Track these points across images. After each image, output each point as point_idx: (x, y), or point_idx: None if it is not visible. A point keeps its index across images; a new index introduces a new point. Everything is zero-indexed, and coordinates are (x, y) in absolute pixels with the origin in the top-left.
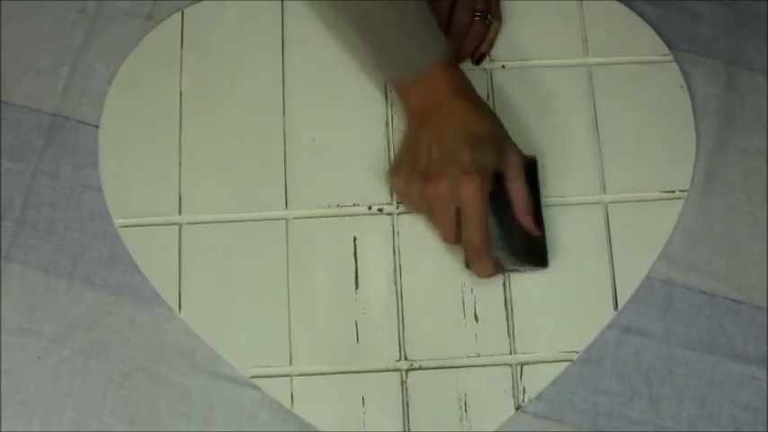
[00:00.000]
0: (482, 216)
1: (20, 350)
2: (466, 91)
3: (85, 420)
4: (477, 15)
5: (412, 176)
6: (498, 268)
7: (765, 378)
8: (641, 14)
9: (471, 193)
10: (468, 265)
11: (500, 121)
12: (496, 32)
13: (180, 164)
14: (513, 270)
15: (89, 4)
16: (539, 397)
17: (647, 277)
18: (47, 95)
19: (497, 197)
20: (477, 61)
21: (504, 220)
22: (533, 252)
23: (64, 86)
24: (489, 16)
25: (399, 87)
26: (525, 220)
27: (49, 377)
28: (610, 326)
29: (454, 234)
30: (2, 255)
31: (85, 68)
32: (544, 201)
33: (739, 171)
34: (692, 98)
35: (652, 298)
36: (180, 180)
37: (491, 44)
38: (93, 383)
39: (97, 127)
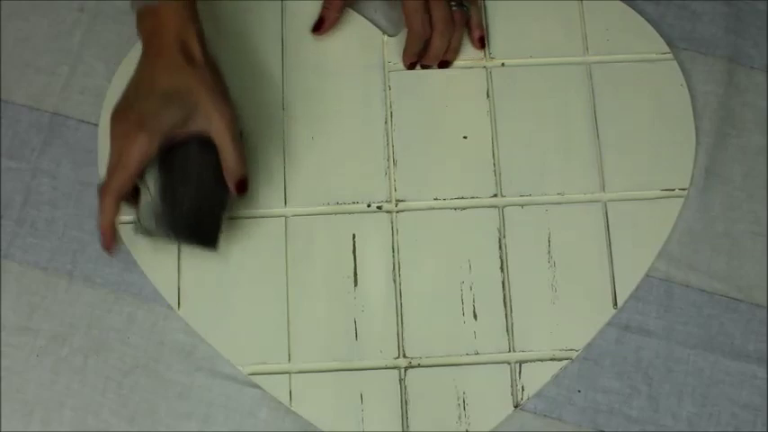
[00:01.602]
0: (130, 169)
1: (19, 349)
2: (185, 38)
3: (85, 419)
4: (453, 6)
5: (115, 109)
6: (113, 210)
7: (765, 376)
8: (641, 13)
9: (135, 148)
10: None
11: (215, 77)
12: (479, 12)
13: None
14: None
15: (88, 3)
16: (538, 395)
17: (647, 275)
18: (46, 94)
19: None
20: (481, 45)
21: (179, 189)
22: (200, 233)
23: (63, 85)
24: (464, 2)
25: (137, 16)
26: (231, 179)
27: (49, 376)
28: (609, 324)
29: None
30: (1, 253)
31: (85, 67)
32: (543, 198)
33: (739, 169)
34: (692, 96)
35: (652, 296)
36: None
37: (480, 25)
38: (93, 382)
39: (96, 125)
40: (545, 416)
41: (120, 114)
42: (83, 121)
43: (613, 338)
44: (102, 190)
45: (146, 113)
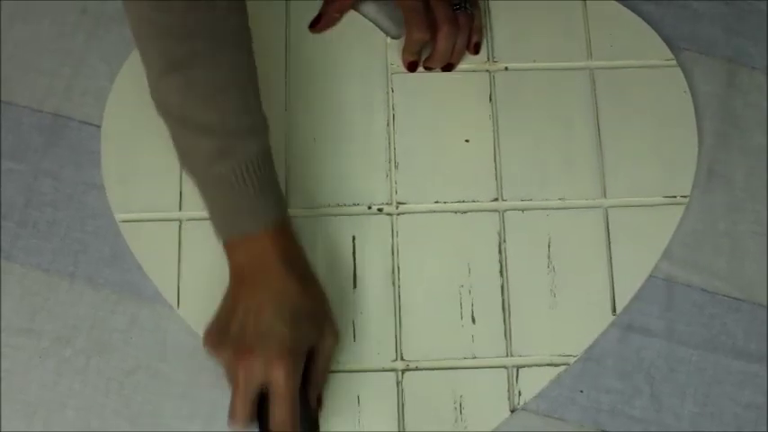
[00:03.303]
0: (294, 400)
1: (21, 350)
2: (293, 260)
3: (87, 420)
4: (456, 7)
5: (225, 342)
6: None
7: (767, 376)
8: (642, 13)
9: (284, 377)
10: None
11: (323, 294)
12: (480, 16)
13: None
14: None
15: (90, 5)
16: (540, 395)
17: (649, 275)
18: (48, 96)
19: None
20: (476, 51)
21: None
22: (317, 422)
23: (65, 87)
24: (468, 4)
25: (225, 243)
26: (314, 394)
27: (51, 377)
28: (612, 324)
29: (247, 413)
30: (3, 255)
31: (87, 69)
32: (544, 203)
33: (740, 169)
34: (693, 97)
35: (654, 296)
36: (181, 177)
37: (481, 30)
38: (95, 383)
39: (99, 126)
40: (547, 416)
41: (250, 346)
42: (85, 123)
43: (615, 338)
44: (280, 426)
45: (288, 342)
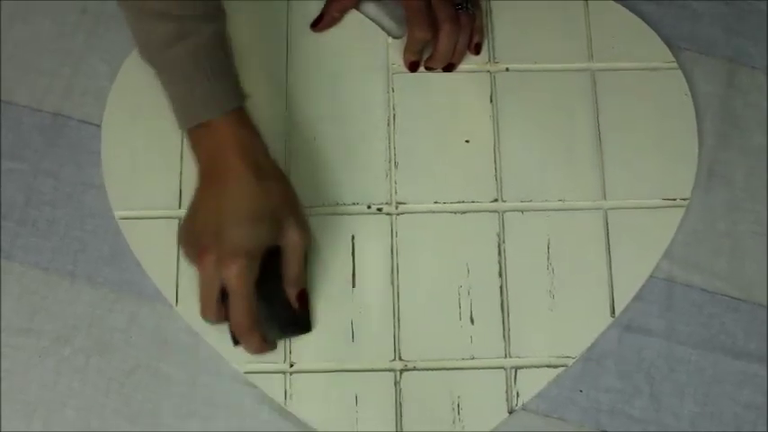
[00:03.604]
0: (247, 296)
1: (21, 349)
2: (251, 154)
3: (87, 419)
4: (458, 7)
5: (189, 240)
6: (269, 343)
7: (766, 376)
8: (642, 13)
9: (236, 275)
10: (235, 342)
11: (287, 189)
12: (481, 17)
13: (181, 159)
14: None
15: (90, 5)
16: (540, 395)
17: (649, 276)
18: (48, 95)
19: (267, 266)
20: (477, 51)
21: (270, 291)
22: (297, 322)
23: (65, 86)
24: (470, 5)
25: (188, 134)
26: (293, 294)
27: (51, 376)
28: (611, 324)
29: (215, 310)
30: (3, 254)
31: (87, 68)
32: (544, 205)
33: (741, 169)
34: (694, 97)
35: (653, 296)
36: (181, 175)
37: (482, 31)
38: (95, 382)
39: (99, 126)
40: (547, 416)
41: (206, 245)
42: (85, 122)
43: (615, 338)
44: (238, 330)
45: (241, 241)
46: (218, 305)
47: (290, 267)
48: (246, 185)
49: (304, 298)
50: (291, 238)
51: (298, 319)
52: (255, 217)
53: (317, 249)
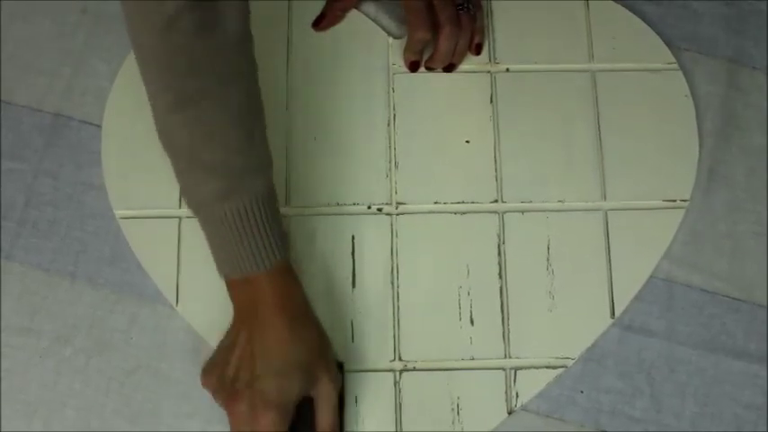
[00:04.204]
0: None
1: (21, 349)
2: (290, 304)
3: (87, 419)
4: (459, 8)
5: (221, 381)
6: None
7: (767, 376)
8: (642, 14)
9: (267, 428)
10: None
11: (322, 338)
12: (482, 17)
13: None
14: None
15: (90, 5)
16: (541, 395)
17: (649, 276)
18: (48, 95)
19: (300, 412)
20: (477, 52)
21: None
22: None
23: (65, 86)
24: (470, 5)
25: (228, 282)
26: None
27: (51, 376)
28: (612, 325)
29: None
30: (3, 254)
31: (87, 68)
32: (544, 206)
33: (741, 169)
34: (694, 97)
35: (654, 296)
36: None
37: (483, 31)
38: (95, 382)
39: (99, 126)
40: (547, 416)
41: (239, 392)
42: (85, 122)
43: (616, 339)
44: None
45: (274, 394)
46: None
47: (323, 417)
48: (283, 337)
49: None
50: (324, 388)
51: None
52: (289, 369)
53: (317, 249)
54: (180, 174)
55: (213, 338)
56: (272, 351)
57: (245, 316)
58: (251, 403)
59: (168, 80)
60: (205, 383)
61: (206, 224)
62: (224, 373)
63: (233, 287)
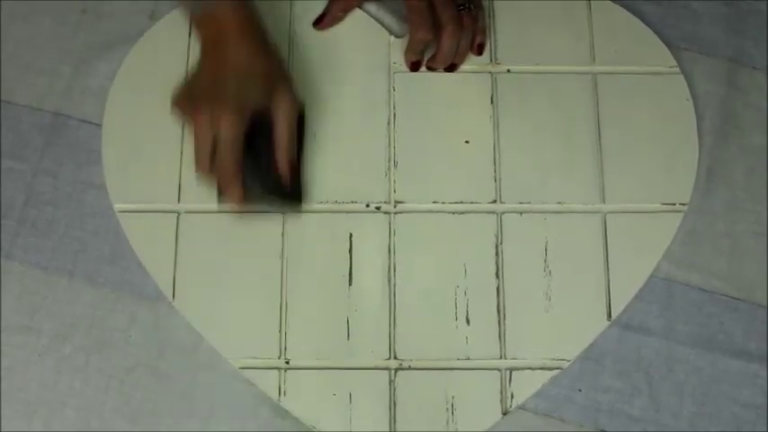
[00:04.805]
0: (233, 148)
1: (21, 348)
2: (252, 28)
3: (87, 418)
4: (461, 8)
5: (186, 102)
6: (248, 199)
7: (765, 376)
8: (642, 14)
9: (225, 128)
10: (219, 192)
11: (280, 62)
12: (483, 18)
13: (181, 159)
14: (267, 207)
15: (90, 4)
16: (539, 394)
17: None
18: (48, 95)
19: (264, 133)
20: (479, 52)
21: (265, 156)
22: (286, 192)
23: (65, 86)
24: (472, 5)
25: (193, 20)
26: (281, 160)
27: (50, 375)
28: (610, 324)
29: (207, 162)
30: (3, 253)
31: (87, 68)
32: (543, 207)
33: (740, 169)
34: (694, 97)
35: (653, 295)
36: (180, 170)
37: (484, 32)
38: (95, 381)
39: (99, 125)
40: (546, 415)
41: (200, 100)
42: (84, 121)
43: (614, 338)
44: (222, 176)
45: (232, 96)
46: (210, 159)
47: (280, 130)
48: (244, 51)
49: (293, 168)
50: (282, 98)
51: (284, 187)
52: (247, 76)
53: (315, 246)
54: None
55: (208, 333)
56: (231, 64)
57: (209, 48)
58: (210, 108)
59: None
60: (174, 104)
61: None
62: (190, 92)
63: (200, 23)
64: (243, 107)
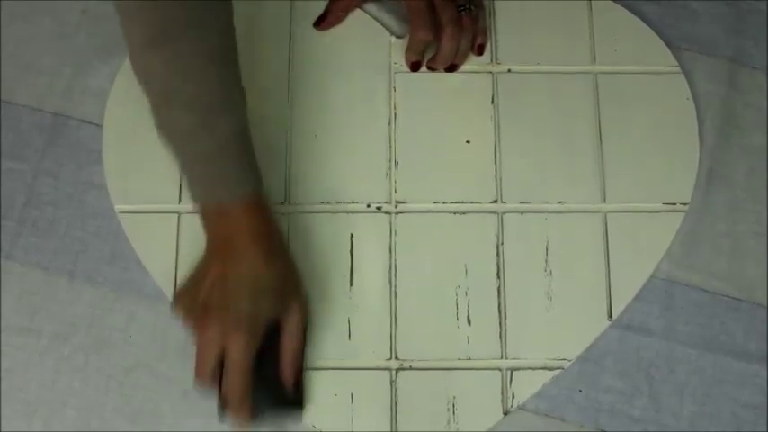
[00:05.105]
0: (243, 369)
1: (21, 348)
2: (263, 234)
3: (87, 419)
4: (461, 9)
5: (192, 307)
6: (254, 414)
7: (766, 376)
8: (642, 13)
9: (235, 348)
10: (221, 409)
11: (293, 271)
12: (484, 18)
13: None
14: (270, 416)
15: (90, 5)
16: (539, 395)
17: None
18: (48, 95)
19: (266, 342)
20: (480, 52)
21: (267, 362)
22: (288, 400)
23: (66, 86)
24: (472, 6)
25: (202, 212)
26: (288, 371)
27: (50, 375)
28: (611, 324)
29: (210, 377)
30: (3, 254)
31: (87, 68)
32: (543, 207)
33: (741, 169)
34: (694, 97)
35: (653, 296)
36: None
37: (485, 32)
38: (95, 381)
39: (99, 125)
40: (546, 415)
41: (208, 310)
42: (85, 122)
43: (615, 338)
44: (232, 399)
45: (246, 313)
46: (214, 373)
47: (289, 344)
48: (256, 262)
49: (298, 378)
50: (294, 315)
51: (288, 398)
52: (262, 294)
53: (316, 247)
54: (156, 108)
55: None
56: (245, 277)
57: (218, 247)
58: (221, 324)
59: (145, 17)
60: (176, 308)
61: (181, 158)
62: (196, 297)
63: (208, 218)
64: (257, 326)
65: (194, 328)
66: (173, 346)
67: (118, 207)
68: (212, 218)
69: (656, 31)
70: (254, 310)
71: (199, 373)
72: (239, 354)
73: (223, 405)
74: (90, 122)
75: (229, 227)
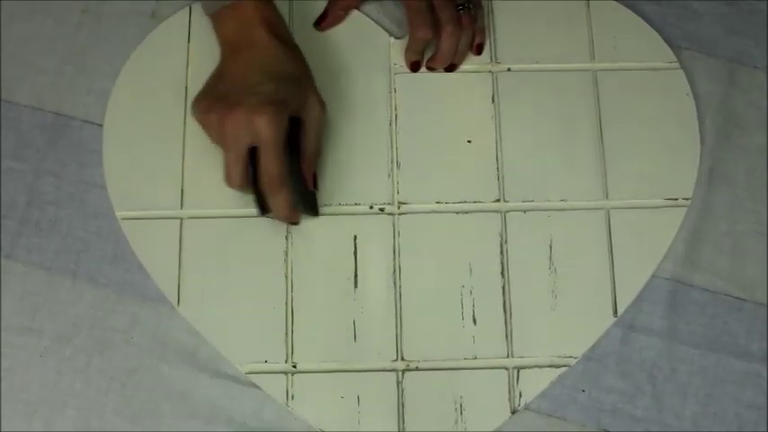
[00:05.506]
0: (279, 147)
1: (22, 349)
2: (278, 28)
3: (88, 419)
4: (460, 8)
5: (212, 104)
6: (295, 211)
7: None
8: (642, 13)
9: (267, 126)
10: (261, 211)
11: (308, 65)
12: (482, 18)
13: (183, 159)
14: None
15: (91, 4)
16: (542, 395)
17: (651, 276)
18: (50, 94)
19: (287, 142)
20: (479, 52)
21: (291, 163)
22: (307, 200)
23: (67, 86)
24: (471, 5)
25: (213, 18)
26: (308, 168)
27: (52, 376)
28: (613, 324)
29: (240, 173)
30: (4, 254)
31: (89, 68)
32: (546, 204)
33: (742, 169)
34: (695, 96)
35: (656, 296)
36: (183, 175)
37: (484, 31)
38: (96, 382)
39: (100, 125)
40: (549, 415)
41: (234, 101)
42: (86, 122)
43: (617, 338)
44: (270, 183)
45: (271, 94)
46: (245, 167)
47: (310, 141)
48: (276, 52)
49: (315, 180)
50: (313, 109)
51: (313, 202)
52: (284, 76)
53: (319, 249)
54: None
55: (214, 338)
56: (266, 64)
57: (234, 47)
58: (248, 106)
59: None
60: (196, 108)
61: None
62: (215, 94)
63: (220, 22)
64: (283, 107)
65: (218, 124)
66: (174, 349)
67: (119, 214)
68: (225, 20)
69: (656, 31)
70: (278, 93)
71: (229, 172)
72: (271, 130)
73: (260, 201)
74: (92, 122)
75: (243, 26)
